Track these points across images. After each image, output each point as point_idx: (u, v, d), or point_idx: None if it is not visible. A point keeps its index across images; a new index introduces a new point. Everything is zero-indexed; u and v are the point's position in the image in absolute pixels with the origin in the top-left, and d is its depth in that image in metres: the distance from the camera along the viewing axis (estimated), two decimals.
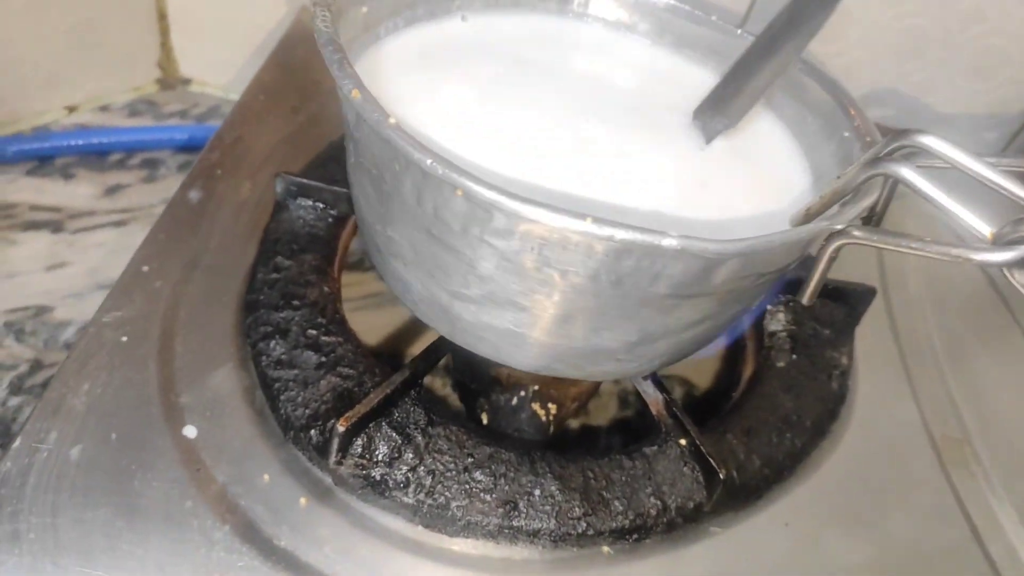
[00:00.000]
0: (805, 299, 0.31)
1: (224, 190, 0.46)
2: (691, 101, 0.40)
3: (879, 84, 0.70)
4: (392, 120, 0.28)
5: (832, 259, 0.28)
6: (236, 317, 0.41)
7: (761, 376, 0.43)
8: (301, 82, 0.55)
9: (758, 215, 0.35)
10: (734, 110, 0.38)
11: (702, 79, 0.43)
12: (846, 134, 0.36)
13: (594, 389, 0.47)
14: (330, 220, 0.44)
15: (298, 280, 0.41)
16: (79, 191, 0.64)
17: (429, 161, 0.26)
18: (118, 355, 0.38)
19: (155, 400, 0.37)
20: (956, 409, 0.46)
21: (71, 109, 0.71)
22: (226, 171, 0.48)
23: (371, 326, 0.47)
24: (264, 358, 0.38)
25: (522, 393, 0.44)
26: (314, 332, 0.39)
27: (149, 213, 0.63)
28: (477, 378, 0.45)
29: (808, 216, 0.30)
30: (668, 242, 0.25)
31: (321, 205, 0.44)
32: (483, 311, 0.31)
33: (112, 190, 0.64)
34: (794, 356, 0.44)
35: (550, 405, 0.45)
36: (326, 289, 0.41)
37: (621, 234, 0.25)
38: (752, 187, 0.37)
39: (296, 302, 0.40)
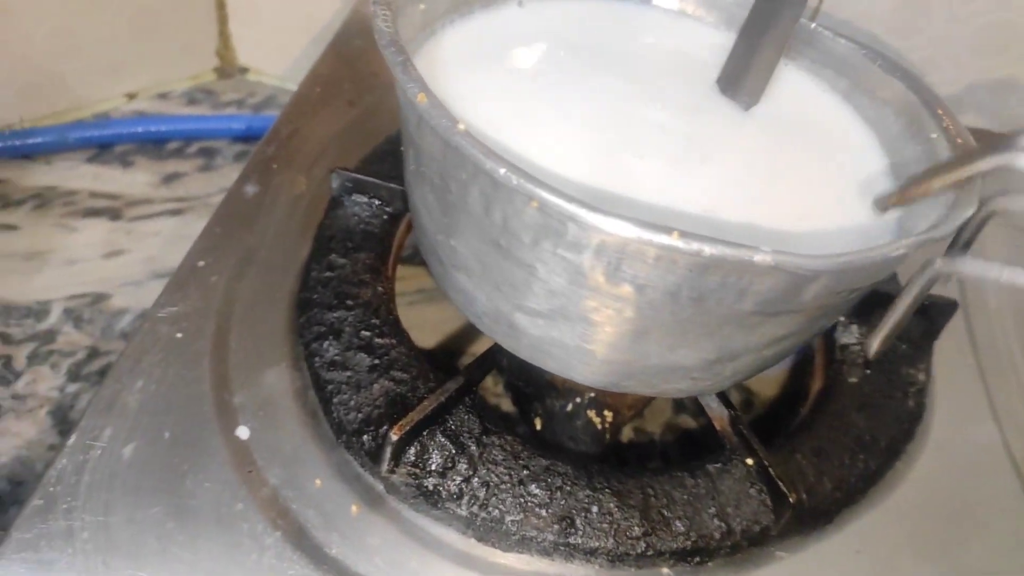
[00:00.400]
0: (872, 351, 0.29)
1: (280, 184, 0.46)
2: None
3: (957, 82, 0.66)
4: (461, 126, 0.26)
5: (926, 289, 0.26)
6: (289, 315, 0.40)
7: (832, 392, 0.41)
8: (358, 75, 0.54)
9: (840, 222, 0.33)
10: (752, 86, 0.37)
11: None
12: (933, 135, 0.34)
13: (651, 397, 0.45)
14: (385, 217, 0.43)
15: (352, 279, 0.40)
16: (137, 179, 0.64)
17: (502, 170, 0.25)
18: (173, 351, 0.37)
19: (208, 399, 0.36)
20: None
21: (131, 96, 0.72)
22: (282, 165, 0.47)
23: (424, 321, 0.46)
24: (317, 359, 0.37)
25: (578, 399, 0.43)
26: (367, 333, 0.38)
27: (205, 203, 0.63)
28: (532, 382, 0.44)
29: (904, 194, 0.27)
30: (760, 258, 0.23)
31: (377, 202, 0.44)
32: (552, 326, 0.30)
33: (169, 178, 0.65)
34: (868, 372, 0.42)
35: (606, 412, 0.43)
36: (380, 289, 0.40)
37: (709, 249, 0.23)
38: (828, 185, 0.35)
39: (350, 302, 0.39)
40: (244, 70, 0.78)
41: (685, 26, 0.44)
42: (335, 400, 0.36)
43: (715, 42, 0.43)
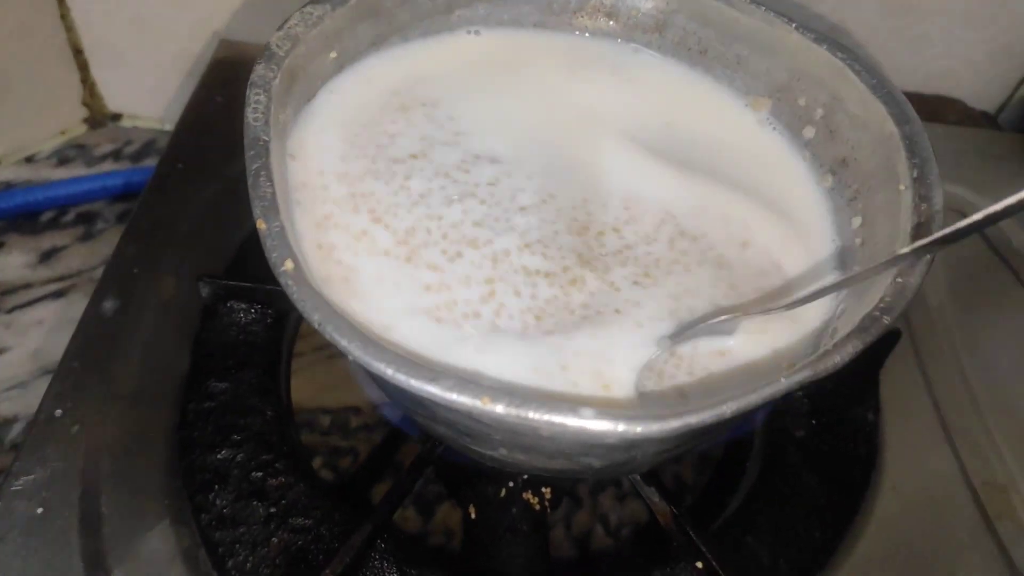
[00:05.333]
0: None
1: (144, 293, 0.40)
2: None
3: (869, 43, 0.63)
4: (288, 265, 0.25)
5: None
6: (168, 456, 0.35)
7: (778, 450, 0.38)
8: (222, 139, 0.47)
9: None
10: None
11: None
12: (901, 187, 0.29)
13: None
14: (269, 322, 0.38)
15: (236, 406, 0.35)
16: (11, 261, 0.58)
17: (316, 317, 0.24)
18: (34, 532, 0.32)
19: None
20: (997, 449, 0.41)
21: None
22: (144, 268, 0.41)
23: (338, 380, 0.42)
24: (204, 515, 0.33)
25: (511, 484, 0.39)
26: (259, 474, 0.33)
27: (90, 278, 0.57)
28: (461, 468, 0.40)
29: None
30: (575, 423, 0.22)
31: (257, 306, 0.38)
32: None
33: (47, 255, 0.58)
34: (813, 421, 0.39)
35: (544, 490, 0.40)
36: (270, 414, 0.35)
37: (532, 417, 0.22)
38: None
39: (236, 436, 0.34)
40: (116, 117, 0.71)
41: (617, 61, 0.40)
42: (229, 563, 0.32)
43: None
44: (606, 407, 0.22)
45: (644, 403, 0.26)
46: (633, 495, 0.40)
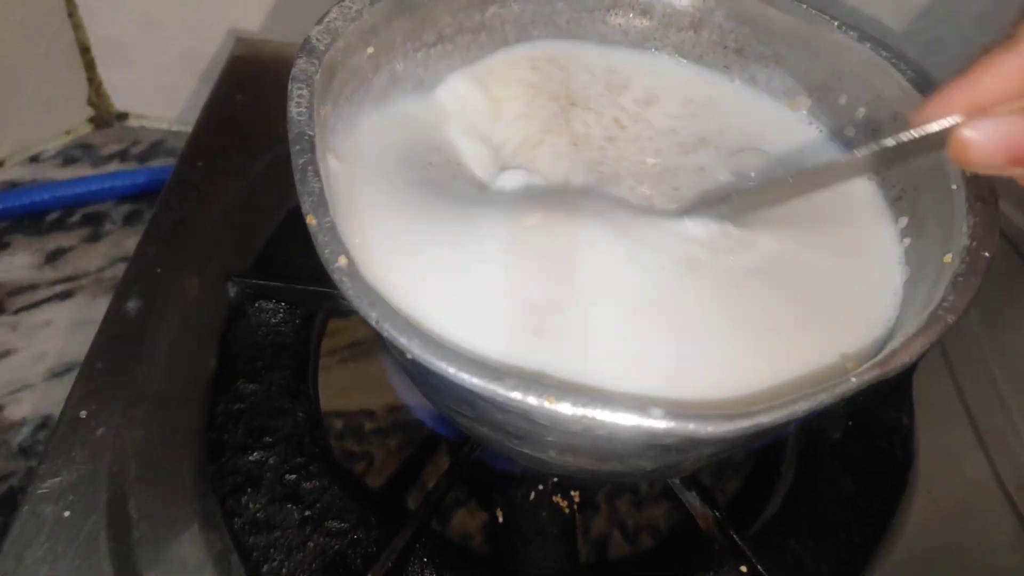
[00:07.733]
0: None
1: (168, 292, 0.39)
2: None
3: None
4: (342, 260, 0.24)
5: None
6: (196, 459, 0.34)
7: (815, 452, 0.37)
8: (244, 138, 0.47)
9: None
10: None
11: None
12: (953, 186, 0.29)
13: None
14: (297, 322, 0.38)
15: (267, 408, 0.34)
16: (16, 262, 0.57)
17: (374, 315, 0.23)
18: (62, 536, 0.31)
19: None
20: None
21: None
22: (167, 267, 0.40)
23: (363, 378, 0.41)
24: (236, 519, 0.32)
25: (540, 487, 0.39)
26: (292, 477, 0.33)
27: (97, 279, 0.56)
28: (487, 472, 0.39)
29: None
30: (642, 423, 0.21)
31: (284, 305, 0.38)
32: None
33: (53, 256, 0.58)
34: (850, 423, 0.38)
35: (573, 493, 0.39)
36: (301, 415, 0.35)
37: (599, 418, 0.21)
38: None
39: (267, 438, 0.34)
40: (122, 116, 0.70)
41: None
42: (264, 569, 0.31)
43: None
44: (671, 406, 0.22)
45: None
46: (650, 501, 0.40)
